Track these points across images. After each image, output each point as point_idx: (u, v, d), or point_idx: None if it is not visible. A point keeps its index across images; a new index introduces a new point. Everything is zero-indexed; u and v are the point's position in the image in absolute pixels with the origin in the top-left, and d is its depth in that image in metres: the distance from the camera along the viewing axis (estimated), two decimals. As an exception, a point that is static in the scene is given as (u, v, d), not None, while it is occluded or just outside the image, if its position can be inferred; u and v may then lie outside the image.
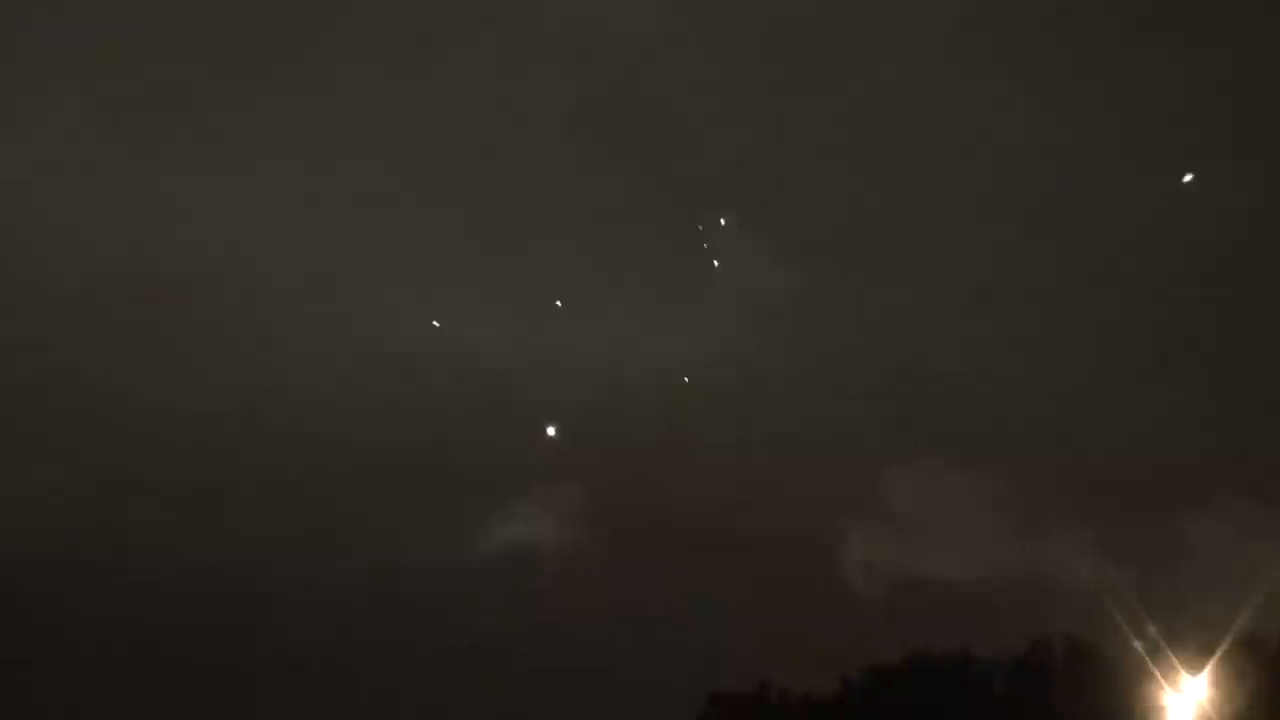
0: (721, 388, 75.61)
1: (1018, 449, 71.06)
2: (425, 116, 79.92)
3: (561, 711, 66.02)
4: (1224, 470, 66.03)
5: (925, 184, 78.01)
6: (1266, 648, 56.68)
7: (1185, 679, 54.99)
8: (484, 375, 75.61)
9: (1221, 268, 73.59)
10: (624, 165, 78.95)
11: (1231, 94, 75.19)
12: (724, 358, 74.77)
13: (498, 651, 67.40)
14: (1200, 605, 55.71)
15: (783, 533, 69.32)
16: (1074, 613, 60.78)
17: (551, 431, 72.52)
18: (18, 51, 77.29)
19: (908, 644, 62.97)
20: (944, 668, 62.22)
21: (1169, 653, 55.17)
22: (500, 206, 78.96)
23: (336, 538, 71.36)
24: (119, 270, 74.82)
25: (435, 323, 74.53)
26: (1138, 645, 55.64)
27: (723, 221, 74.62)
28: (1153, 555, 60.87)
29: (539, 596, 68.60)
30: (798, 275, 76.56)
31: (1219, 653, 54.57)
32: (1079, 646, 60.73)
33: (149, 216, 76.17)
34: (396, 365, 76.03)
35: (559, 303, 75.18)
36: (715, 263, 74.91)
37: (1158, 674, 55.12)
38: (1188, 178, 69.66)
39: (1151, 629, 55.51)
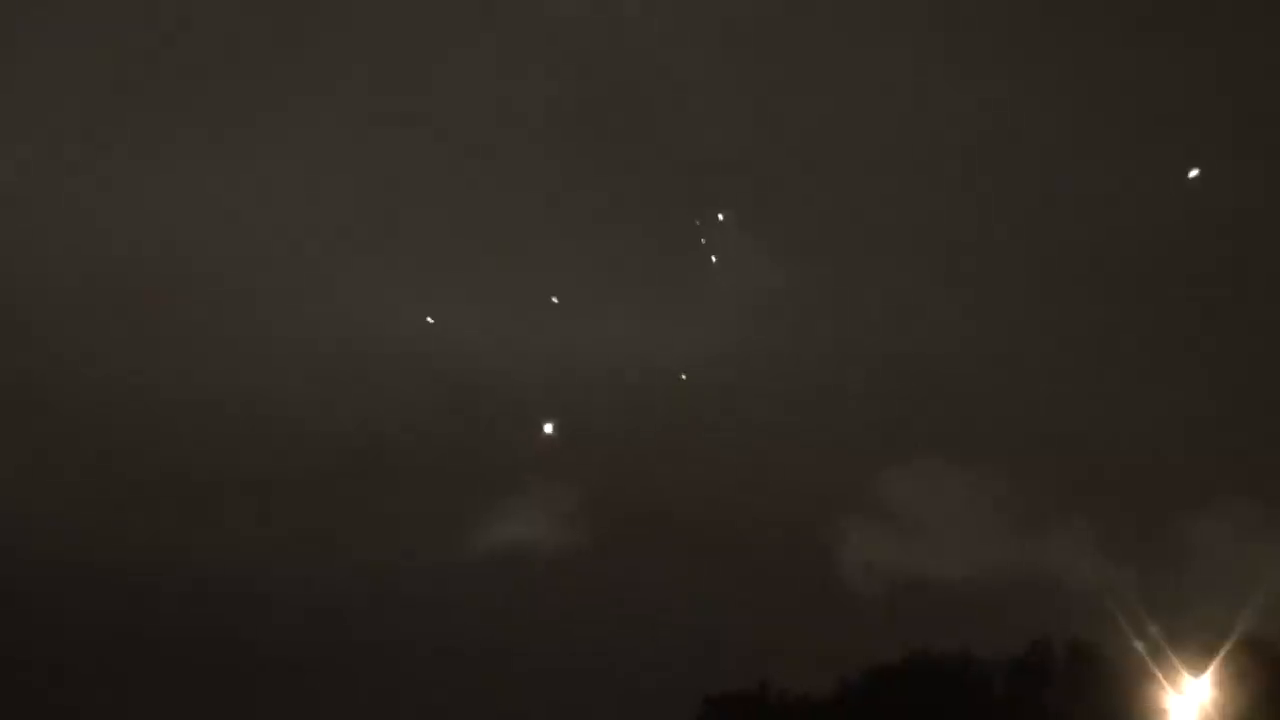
0: (719, 385, 75.68)
1: (1018, 449, 71.11)
2: (421, 115, 79.98)
3: (559, 712, 66.10)
4: (1224, 470, 66.09)
5: (925, 182, 78.11)
6: (1269, 649, 56.44)
7: (1187, 680, 54.83)
8: (481, 374, 75.67)
9: (1221, 268, 73.64)
10: (621, 162, 79.07)
11: (1231, 94, 75.27)
12: (722, 355, 74.78)
13: (496, 652, 67.49)
14: (1202, 606, 55.65)
15: (781, 532, 69.42)
16: (1075, 613, 60.80)
17: (549, 429, 72.57)
18: (17, 51, 77.39)
19: (907, 644, 63.00)
20: (944, 668, 62.14)
21: (1171, 654, 55.00)
22: (496, 204, 79.07)
23: (335, 537, 71.48)
24: (118, 270, 74.91)
25: (429, 319, 74.57)
26: (1139, 646, 55.52)
27: (720, 217, 74.66)
28: (1153, 555, 60.88)
29: (536, 596, 68.73)
30: (796, 272, 76.71)
31: (1221, 654, 54.42)
32: (1080, 647, 60.58)
33: (147, 216, 76.14)
34: (394, 364, 76.10)
35: (554, 299, 75.26)
36: (713, 259, 74.95)
37: (1159, 675, 54.96)
38: (1194, 173, 69.67)
39: (1153, 629, 55.37)
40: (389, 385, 76.53)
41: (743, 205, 76.84)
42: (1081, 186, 76.47)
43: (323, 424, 75.26)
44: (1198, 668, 54.83)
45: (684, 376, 74.67)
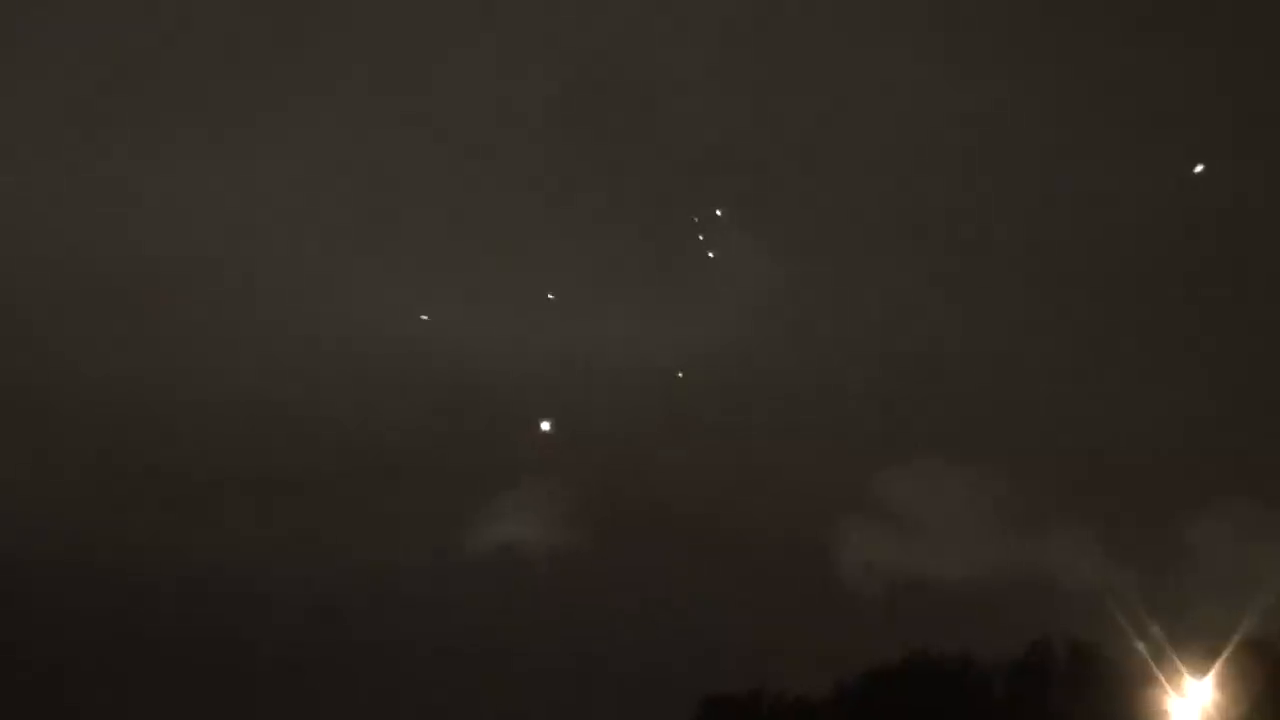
0: (718, 384, 75.70)
1: (1018, 449, 71.11)
2: (421, 115, 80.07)
3: (558, 712, 66.05)
4: (1225, 470, 66.08)
5: (925, 182, 78.16)
6: (1271, 650, 56.01)
7: (1189, 682, 54.61)
8: (480, 374, 75.70)
9: (1221, 267, 73.68)
10: (620, 161, 79.14)
11: (1231, 94, 75.26)
12: (720, 353, 74.81)
13: (494, 652, 67.49)
14: (1204, 607, 55.48)
15: (781, 532, 69.41)
16: (1075, 613, 60.66)
17: (546, 426, 72.51)
18: (18, 51, 77.42)
19: (907, 644, 62.82)
20: (943, 670, 61.95)
21: (1172, 655, 54.78)
22: (495, 203, 79.11)
23: (335, 537, 71.47)
24: (117, 270, 74.90)
25: (424, 316, 74.54)
26: (1140, 647, 55.24)
27: (719, 213, 74.56)
28: (1154, 556, 60.87)
29: (535, 596, 68.74)
30: (795, 271, 76.80)
31: (1224, 655, 54.18)
32: (1080, 648, 60.14)
33: (147, 216, 76.27)
34: (393, 364, 76.16)
35: (550, 296, 75.24)
36: (710, 255, 74.85)
37: (1161, 677, 54.72)
38: (1199, 168, 69.53)
39: (1154, 630, 55.07)
40: (388, 385, 76.69)
41: (742, 204, 76.96)
42: (1081, 186, 76.58)
43: (322, 424, 75.40)
44: (1199, 669, 54.56)
45: (680, 375, 74.67)
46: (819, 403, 75.96)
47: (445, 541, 70.31)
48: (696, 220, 74.13)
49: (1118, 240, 75.55)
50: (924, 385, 75.33)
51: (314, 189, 78.39)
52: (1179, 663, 54.64)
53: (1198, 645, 54.81)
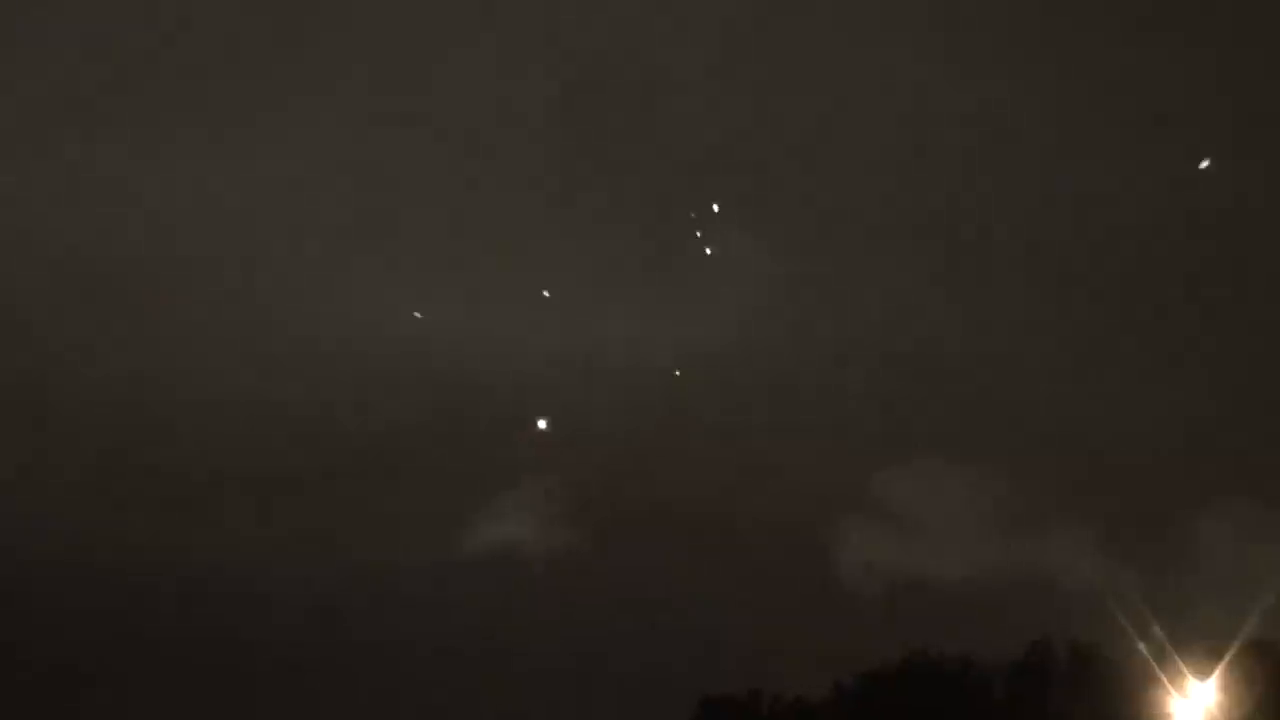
0: (716, 382, 75.66)
1: (1018, 449, 71.10)
2: (421, 115, 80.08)
3: (557, 712, 66.06)
4: (1227, 470, 66.08)
5: (925, 181, 78.13)
6: (1275, 651, 55.59)
7: (1192, 683, 54.38)
8: (479, 374, 75.68)
9: (1221, 268, 73.67)
10: (619, 161, 79.13)
11: (1231, 94, 75.26)
12: (719, 352, 74.70)
13: (493, 652, 67.49)
14: (1206, 607, 55.26)
15: (780, 532, 69.36)
16: (1076, 614, 60.52)
17: (542, 424, 72.47)
18: (18, 51, 77.45)
19: (907, 645, 62.74)
20: (943, 670, 61.85)
21: (1175, 656, 54.55)
22: (493, 203, 79.12)
23: (334, 537, 71.47)
24: (117, 270, 75.02)
25: (417, 314, 74.53)
26: (1142, 648, 54.96)
27: (716, 208, 74.42)
28: (1156, 556, 60.81)
29: (534, 596, 68.66)
30: (795, 271, 76.78)
31: (1227, 657, 53.88)
32: (1081, 649, 59.89)
33: (147, 216, 76.32)
34: (392, 364, 76.10)
35: (546, 293, 75.18)
36: (708, 251, 74.72)
37: (1163, 678, 54.49)
38: (1205, 163, 69.45)
39: (1156, 631, 54.81)
40: (388, 385, 76.61)
41: (742, 204, 77.00)
42: (1081, 186, 76.57)
43: (322, 424, 75.46)
44: (1202, 670, 54.31)
45: (678, 373, 74.58)
46: (818, 402, 76.03)
47: (445, 541, 70.40)
48: (694, 216, 74.00)
49: (1118, 240, 75.64)
50: (924, 385, 75.38)
51: (314, 189, 78.50)
52: (1181, 664, 54.45)
53: (1200, 646, 54.54)
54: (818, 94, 79.82)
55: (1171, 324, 73.67)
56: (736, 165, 79.02)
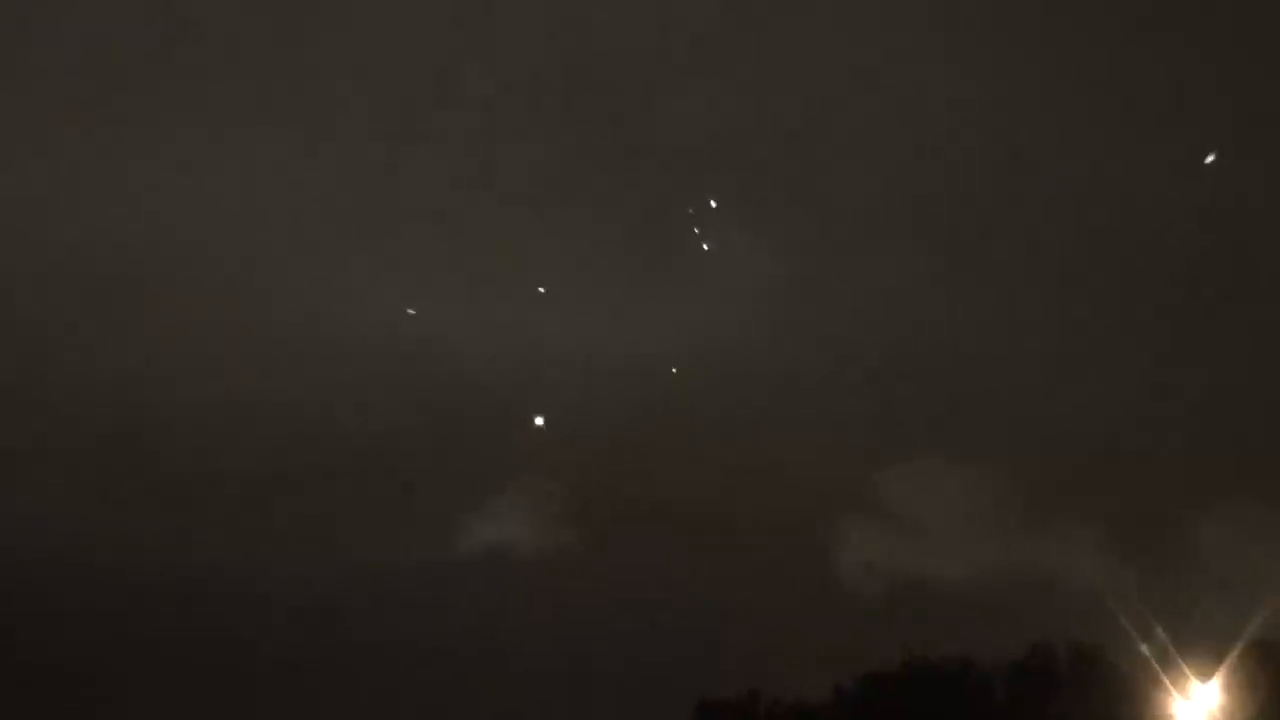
0: (713, 379, 75.60)
1: (1018, 449, 71.01)
2: (416, 113, 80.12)
3: (555, 713, 66.09)
4: (1229, 470, 65.99)
5: (925, 180, 78.08)
6: (1278, 653, 55.50)
7: (1195, 685, 54.20)
8: (476, 372, 75.67)
9: (1222, 267, 73.54)
10: (614, 156, 79.12)
11: (1231, 94, 75.14)
12: (716, 349, 74.61)
13: (491, 653, 67.50)
14: (1209, 609, 55.09)
15: (779, 532, 69.32)
16: (1077, 615, 60.36)
17: (539, 422, 72.45)
18: (18, 51, 77.46)
19: (907, 646, 62.69)
20: (943, 672, 61.77)
21: (1177, 658, 54.36)
22: (488, 198, 79.12)
23: (333, 537, 71.50)
24: (116, 270, 74.91)
25: (410, 310, 74.50)
26: (1144, 649, 54.83)
27: (713, 205, 74.34)
28: (1157, 557, 60.77)
29: (531, 597, 68.68)
30: (794, 268, 76.68)
31: (1230, 658, 53.75)
32: (1083, 650, 59.80)
33: (147, 216, 76.22)
34: (390, 363, 76.07)
35: (541, 289, 75.15)
36: (705, 246, 74.64)
37: (1165, 680, 54.32)
38: (1210, 158, 69.38)
39: (1159, 632, 54.66)
40: (387, 385, 76.61)
41: (740, 200, 76.92)
42: (1081, 186, 76.47)
43: (321, 424, 75.43)
44: (1205, 672, 54.16)
45: (675, 371, 74.53)
46: (817, 401, 75.89)
47: (443, 541, 70.44)
48: (692, 213, 73.96)
49: (1118, 240, 75.51)
50: (924, 384, 75.27)
51: (313, 189, 78.45)
52: (1184, 665, 54.30)
53: (1203, 647, 54.40)
54: (817, 91, 79.80)
55: (1171, 324, 73.60)
56: (735, 162, 79.07)
